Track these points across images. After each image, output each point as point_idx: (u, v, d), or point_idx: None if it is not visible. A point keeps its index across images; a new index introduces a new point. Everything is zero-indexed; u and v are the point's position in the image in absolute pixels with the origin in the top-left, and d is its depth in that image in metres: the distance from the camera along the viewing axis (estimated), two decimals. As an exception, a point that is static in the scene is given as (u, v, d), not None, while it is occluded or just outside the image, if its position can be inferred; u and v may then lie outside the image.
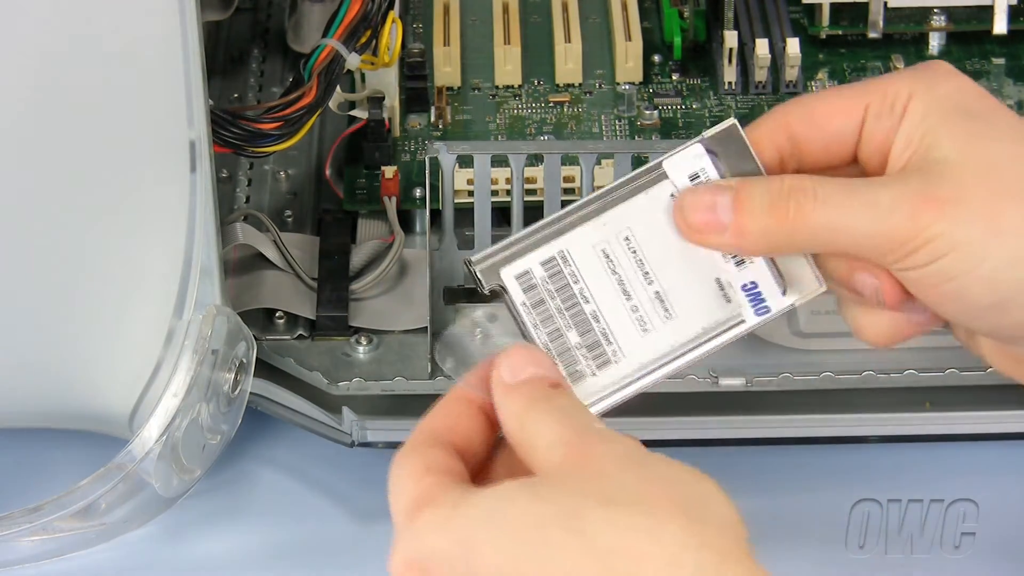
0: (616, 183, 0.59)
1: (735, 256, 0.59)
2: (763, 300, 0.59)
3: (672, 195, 0.59)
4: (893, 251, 0.56)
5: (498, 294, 0.58)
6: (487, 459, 0.57)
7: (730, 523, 0.51)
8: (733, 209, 0.57)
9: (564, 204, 0.73)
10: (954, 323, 0.60)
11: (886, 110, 0.58)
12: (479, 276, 0.58)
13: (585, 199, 0.59)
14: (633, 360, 0.58)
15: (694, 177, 0.58)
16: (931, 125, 0.57)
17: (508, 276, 0.58)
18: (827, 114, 0.59)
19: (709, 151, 0.59)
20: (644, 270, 0.59)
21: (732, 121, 0.59)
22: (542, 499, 0.51)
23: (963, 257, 0.56)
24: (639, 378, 0.58)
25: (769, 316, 0.59)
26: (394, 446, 0.75)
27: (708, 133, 0.59)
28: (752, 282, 0.59)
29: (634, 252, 0.59)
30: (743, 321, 0.59)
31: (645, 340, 0.58)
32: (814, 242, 0.57)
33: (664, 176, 0.59)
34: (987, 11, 0.88)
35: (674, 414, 0.74)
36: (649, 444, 0.56)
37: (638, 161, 0.72)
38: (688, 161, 0.59)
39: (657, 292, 0.58)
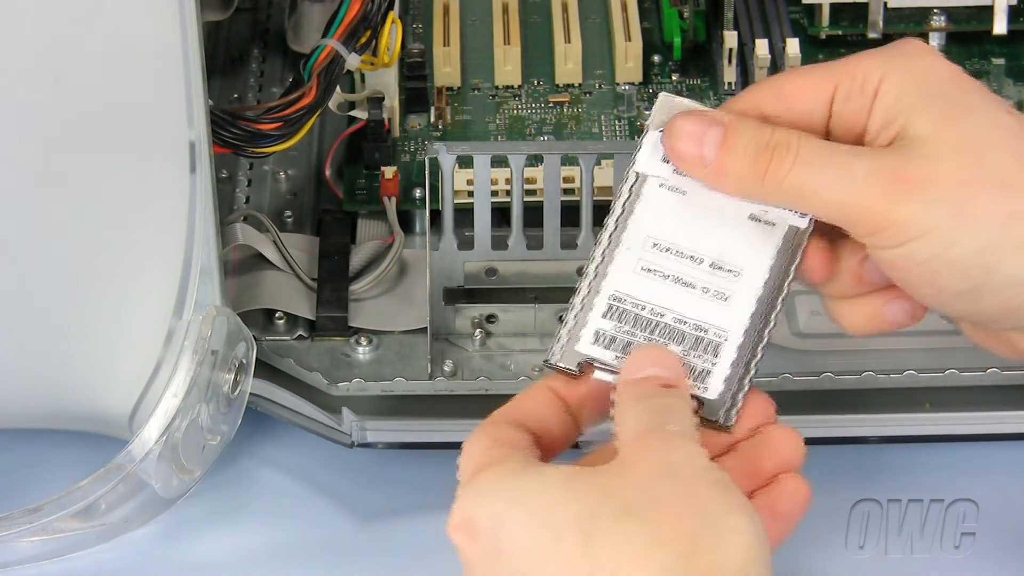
0: (613, 213, 0.60)
1: None
2: None
3: (661, 185, 0.60)
4: (863, 224, 0.56)
5: (590, 365, 0.59)
6: (562, 445, 0.58)
7: (729, 568, 0.51)
8: (720, 146, 0.58)
9: (564, 204, 0.74)
10: (930, 307, 0.60)
11: (856, 91, 0.58)
12: (563, 367, 0.59)
13: (599, 242, 0.60)
14: (737, 327, 0.59)
15: (668, 159, 0.60)
16: (906, 104, 0.57)
17: (586, 347, 0.59)
18: (795, 93, 0.59)
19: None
20: (688, 256, 0.59)
21: (662, 95, 0.60)
22: (571, 494, 0.52)
23: (932, 241, 0.56)
24: (757, 333, 0.59)
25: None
26: (394, 447, 0.76)
27: (653, 119, 0.60)
28: None
29: (668, 250, 0.60)
30: (797, 229, 0.60)
31: (733, 306, 0.59)
32: (787, 200, 0.58)
33: (645, 178, 0.60)
34: (987, 11, 0.88)
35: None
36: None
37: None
38: (653, 152, 0.60)
39: (712, 264, 0.59)
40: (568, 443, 0.59)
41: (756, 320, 0.59)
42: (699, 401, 0.58)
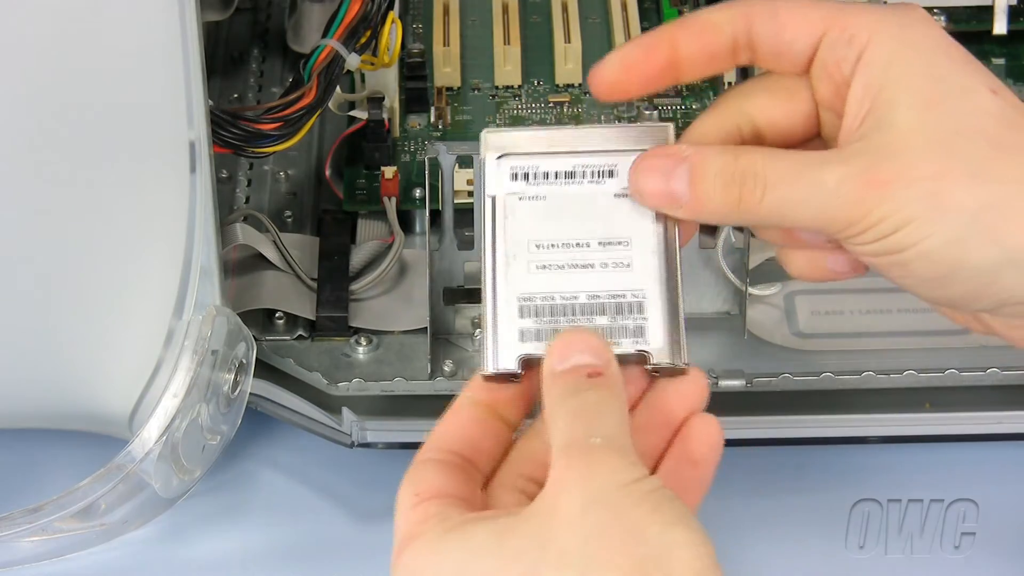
0: (484, 237, 0.60)
1: (606, 173, 0.60)
2: None
3: (520, 198, 0.60)
4: (841, 231, 0.56)
5: (529, 361, 0.58)
6: (502, 454, 0.58)
7: None
8: (691, 183, 0.58)
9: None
10: (898, 287, 0.60)
11: (843, 41, 0.58)
12: (505, 374, 0.59)
13: (483, 268, 0.60)
14: (651, 282, 0.59)
15: (523, 175, 0.61)
16: (891, 79, 0.57)
17: (516, 350, 0.59)
18: (789, 20, 0.59)
19: (506, 155, 0.61)
20: (574, 244, 0.60)
21: (484, 132, 0.61)
22: (506, 555, 0.51)
23: (907, 235, 0.56)
24: (673, 280, 0.59)
25: None
26: (394, 447, 0.76)
27: (485, 149, 0.61)
28: None
29: (553, 246, 0.60)
30: None
31: (637, 268, 0.60)
32: (764, 222, 0.58)
33: (503, 198, 0.61)
34: (987, 11, 0.88)
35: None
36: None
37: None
38: (500, 176, 0.61)
39: (600, 243, 0.60)
40: (504, 449, 0.57)
41: (666, 269, 0.59)
42: (645, 356, 0.58)
